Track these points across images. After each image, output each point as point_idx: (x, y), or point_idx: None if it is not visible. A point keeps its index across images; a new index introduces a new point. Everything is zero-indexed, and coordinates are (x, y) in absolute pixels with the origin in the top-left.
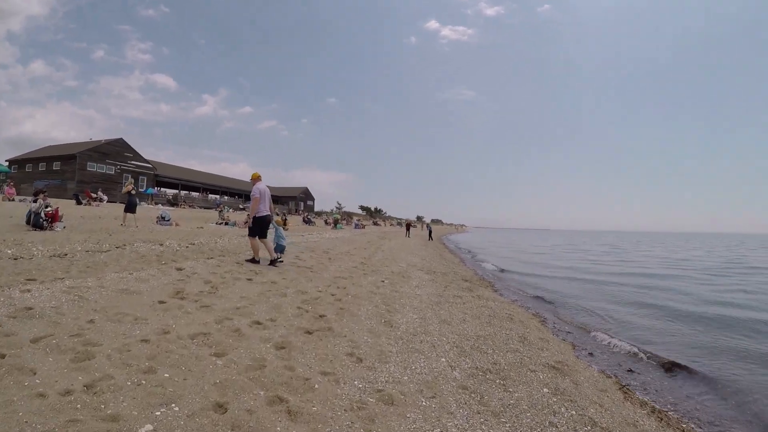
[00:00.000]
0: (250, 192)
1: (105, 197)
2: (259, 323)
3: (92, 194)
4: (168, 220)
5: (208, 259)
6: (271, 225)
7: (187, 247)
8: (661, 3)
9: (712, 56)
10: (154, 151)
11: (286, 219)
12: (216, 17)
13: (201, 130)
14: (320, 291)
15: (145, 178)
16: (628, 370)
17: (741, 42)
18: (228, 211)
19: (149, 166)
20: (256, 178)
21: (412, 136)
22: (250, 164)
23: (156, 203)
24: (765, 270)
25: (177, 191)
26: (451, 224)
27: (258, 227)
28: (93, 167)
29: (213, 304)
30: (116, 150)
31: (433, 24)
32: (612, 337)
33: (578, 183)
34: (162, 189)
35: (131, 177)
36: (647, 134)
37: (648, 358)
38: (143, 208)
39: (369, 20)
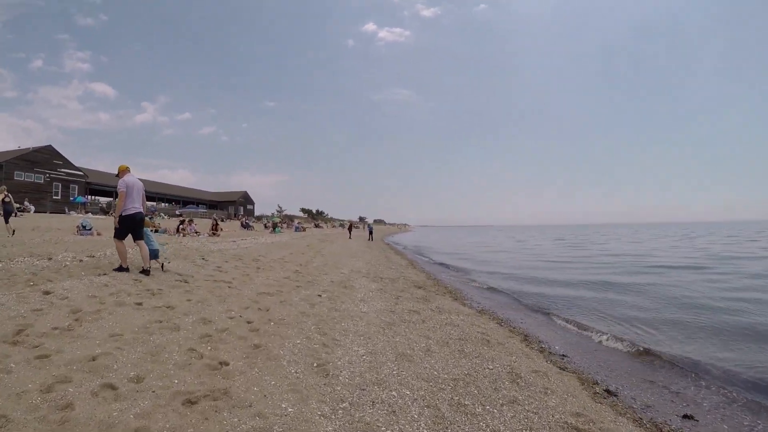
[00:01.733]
0: (195, 199)
1: (32, 207)
2: (112, 387)
3: (15, 204)
4: (89, 230)
5: (99, 275)
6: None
7: (81, 260)
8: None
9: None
10: (91, 160)
11: (217, 224)
12: (154, 24)
13: (140, 137)
14: (232, 317)
15: (77, 186)
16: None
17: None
18: (162, 217)
19: (80, 173)
20: (123, 170)
21: (353, 137)
22: (190, 170)
23: (87, 212)
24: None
25: (111, 199)
26: (394, 224)
27: (126, 227)
28: (21, 176)
29: (59, 351)
30: (45, 158)
31: (370, 26)
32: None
33: (519, 177)
34: (95, 197)
35: (3, 185)
36: (585, 126)
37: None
38: (72, 218)
39: (307, 23)
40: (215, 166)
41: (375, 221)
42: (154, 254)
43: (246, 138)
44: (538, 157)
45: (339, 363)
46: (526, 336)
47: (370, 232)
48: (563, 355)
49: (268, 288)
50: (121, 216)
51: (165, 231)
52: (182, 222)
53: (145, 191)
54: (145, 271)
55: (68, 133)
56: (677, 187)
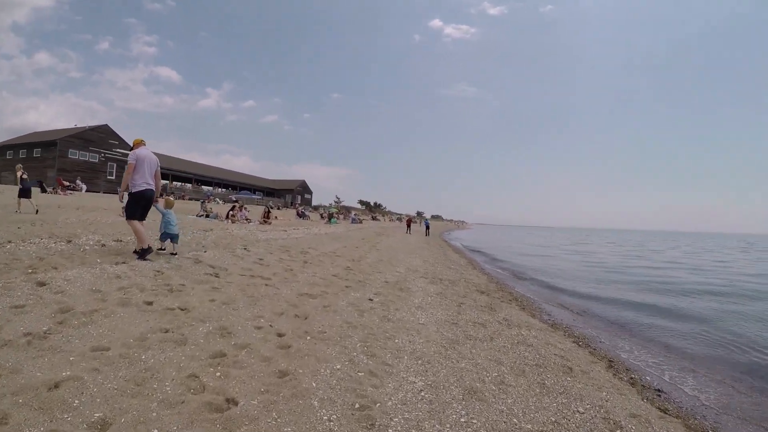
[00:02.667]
0: (252, 185)
1: (83, 186)
2: None
3: (65, 182)
4: None
5: (116, 264)
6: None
7: (104, 245)
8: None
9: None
10: (156, 143)
11: (269, 211)
12: (221, 12)
13: (204, 122)
14: (260, 327)
15: None
16: None
17: (741, 41)
18: (217, 202)
19: None
20: (137, 144)
21: (415, 133)
22: (252, 157)
23: None
24: None
25: (167, 182)
26: (451, 220)
27: (137, 206)
28: (75, 155)
29: (15, 371)
30: (100, 137)
31: (437, 23)
32: None
33: (579, 179)
34: None
35: (20, 164)
36: (649, 130)
37: None
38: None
39: (374, 18)
40: (277, 155)
41: (432, 216)
42: (167, 237)
43: (309, 128)
44: (602, 157)
45: (389, 404)
46: (610, 361)
47: (427, 227)
48: (658, 391)
49: (311, 288)
50: (131, 193)
51: (216, 216)
52: (233, 207)
53: (202, 176)
54: (141, 254)
55: (133, 115)
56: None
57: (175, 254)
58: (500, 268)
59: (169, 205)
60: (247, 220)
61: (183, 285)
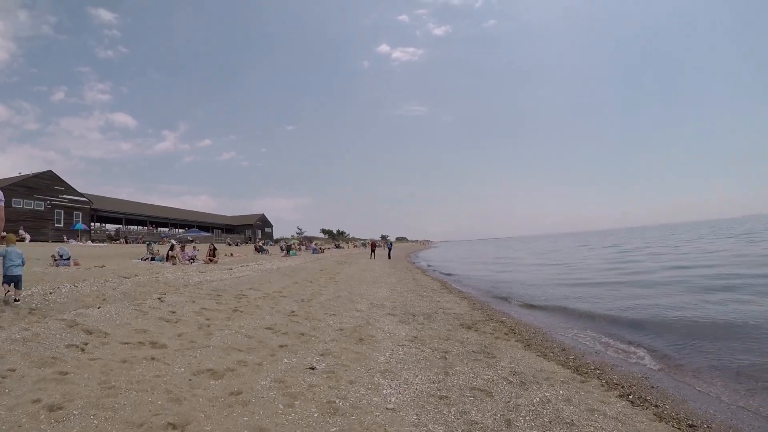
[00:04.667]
0: (210, 223)
1: (27, 236)
2: None
3: (1, 233)
4: (66, 259)
5: None
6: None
7: None
8: (601, 12)
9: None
10: (114, 188)
11: (214, 249)
12: (173, 53)
13: (162, 165)
14: None
15: (81, 213)
16: None
17: (674, 40)
18: (171, 243)
19: (84, 199)
20: None
21: (372, 156)
22: (211, 196)
23: (88, 240)
24: None
25: (119, 226)
26: (416, 241)
27: None
28: (19, 203)
29: None
30: (45, 184)
31: (384, 48)
32: None
33: (539, 187)
34: (102, 224)
35: None
36: (598, 133)
37: None
38: (71, 246)
39: (324, 48)
40: (236, 191)
41: (397, 239)
42: (14, 280)
43: (266, 162)
44: (552, 163)
45: None
46: None
47: (389, 250)
48: None
49: (224, 356)
50: None
51: (162, 259)
52: (172, 248)
53: (158, 218)
54: None
55: (90, 163)
56: (685, 185)
57: (18, 300)
58: (474, 287)
59: (10, 242)
60: (190, 260)
61: (11, 371)
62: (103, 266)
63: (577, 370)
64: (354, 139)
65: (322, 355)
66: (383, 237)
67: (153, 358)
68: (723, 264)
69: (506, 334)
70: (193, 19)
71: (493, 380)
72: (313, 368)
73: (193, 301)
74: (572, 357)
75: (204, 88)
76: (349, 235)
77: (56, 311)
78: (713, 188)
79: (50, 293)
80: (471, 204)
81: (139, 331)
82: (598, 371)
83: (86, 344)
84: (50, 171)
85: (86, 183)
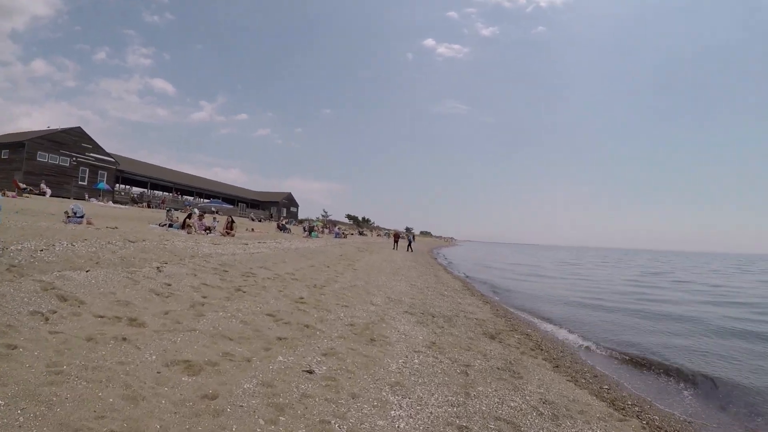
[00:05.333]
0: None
1: (48, 190)
2: None
3: (21, 185)
4: (80, 217)
5: None
6: None
7: None
8: (649, 26)
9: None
10: (148, 154)
11: (232, 222)
12: (219, 25)
13: (197, 135)
14: None
15: (106, 173)
16: None
17: (730, 65)
18: (194, 212)
19: (111, 159)
20: None
21: (406, 149)
22: (243, 170)
23: (114, 200)
24: None
25: (144, 190)
26: (440, 237)
27: None
28: (44, 157)
29: None
30: (73, 140)
31: (430, 42)
32: None
33: (568, 198)
34: (127, 186)
35: None
36: (643, 143)
37: None
38: (90, 205)
39: (369, 36)
40: (268, 169)
41: (422, 233)
42: None
43: (300, 143)
44: (586, 177)
45: None
46: None
47: (410, 242)
48: None
49: (210, 344)
50: None
51: (179, 226)
52: (189, 215)
53: (183, 185)
54: None
55: (126, 125)
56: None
57: None
58: (495, 291)
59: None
60: (207, 230)
61: None
62: (116, 227)
63: (613, 405)
64: (390, 130)
65: (324, 354)
66: (407, 229)
67: (124, 339)
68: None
69: (532, 349)
70: None
71: (521, 409)
72: (311, 371)
73: (195, 275)
74: (606, 387)
75: (245, 63)
76: (373, 223)
77: (38, 271)
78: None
79: (41, 250)
80: (498, 207)
81: (122, 303)
82: (636, 408)
83: (54, 313)
84: (79, 128)
85: (120, 145)
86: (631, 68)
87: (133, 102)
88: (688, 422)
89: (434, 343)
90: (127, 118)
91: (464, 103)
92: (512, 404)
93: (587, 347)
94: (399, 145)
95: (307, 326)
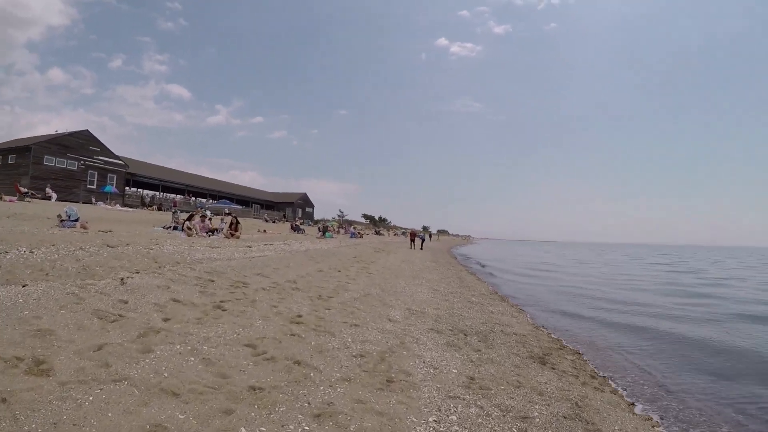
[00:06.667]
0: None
1: (53, 194)
2: None
3: (22, 189)
4: (74, 221)
5: None
6: None
7: None
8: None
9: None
10: (165, 158)
11: (237, 223)
12: (232, 30)
13: (213, 138)
14: None
15: (115, 176)
16: None
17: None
18: (207, 214)
19: (120, 162)
20: None
21: (421, 148)
22: (260, 173)
23: (115, 204)
24: None
25: (155, 192)
26: (457, 235)
27: None
28: (51, 161)
29: None
30: (80, 143)
31: (442, 41)
32: None
33: (585, 193)
34: (138, 189)
35: None
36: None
37: None
38: (92, 208)
39: (382, 37)
40: (284, 170)
41: (439, 231)
42: None
43: (316, 144)
44: (598, 174)
45: None
46: None
47: (422, 241)
48: None
49: (141, 405)
50: None
51: (183, 229)
52: (190, 217)
53: (195, 187)
54: None
55: (143, 131)
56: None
57: None
58: (524, 295)
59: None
60: (209, 232)
61: None
62: (110, 231)
63: None
64: (405, 130)
65: (317, 416)
66: (424, 228)
67: (3, 400)
68: None
69: (593, 377)
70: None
71: None
72: None
73: (168, 287)
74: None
75: (260, 67)
76: (390, 222)
77: None
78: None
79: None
80: (514, 204)
81: (41, 333)
82: None
83: None
84: (87, 131)
85: (137, 150)
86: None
87: (149, 108)
88: None
89: (473, 379)
90: (143, 124)
91: (478, 100)
92: None
93: (651, 366)
94: (414, 144)
95: (298, 363)
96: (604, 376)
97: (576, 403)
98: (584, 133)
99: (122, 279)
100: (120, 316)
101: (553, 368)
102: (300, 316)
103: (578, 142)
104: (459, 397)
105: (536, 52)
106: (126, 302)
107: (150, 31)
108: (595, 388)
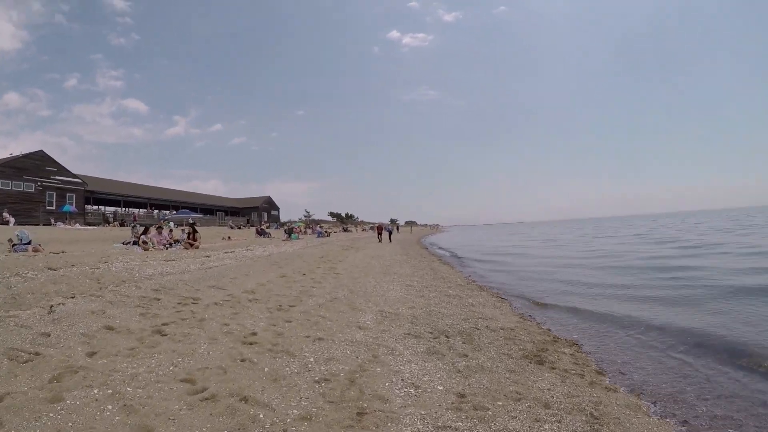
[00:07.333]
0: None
1: (11, 218)
2: None
3: None
4: (26, 244)
5: None
6: None
7: None
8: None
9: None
10: (126, 174)
11: (194, 232)
12: (185, 40)
13: (173, 150)
14: None
15: (74, 195)
16: None
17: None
18: (169, 226)
19: (78, 181)
20: None
21: (382, 140)
22: (222, 180)
23: (75, 223)
24: None
25: (116, 209)
26: (426, 225)
27: None
28: (7, 185)
29: None
30: (36, 164)
31: (394, 34)
32: None
33: (543, 173)
34: (99, 207)
35: None
36: (611, 117)
37: None
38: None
39: (333, 35)
40: (246, 175)
41: (407, 222)
42: None
43: (277, 147)
44: (561, 151)
45: None
46: None
47: (390, 233)
48: None
49: None
50: None
51: (139, 244)
52: (145, 231)
53: (157, 200)
54: None
55: (102, 148)
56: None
57: None
58: (500, 282)
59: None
60: (168, 244)
61: None
62: (63, 252)
63: None
64: (365, 124)
65: None
66: (392, 221)
67: None
68: None
69: (599, 373)
70: (204, 6)
71: None
72: None
73: (104, 312)
74: None
75: (215, 74)
76: (357, 218)
77: None
78: (712, 178)
79: None
80: (478, 190)
81: None
82: None
83: None
84: (41, 151)
85: (97, 168)
86: (595, 37)
87: (107, 125)
88: None
89: (464, 397)
90: (102, 141)
91: (434, 88)
92: None
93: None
94: (375, 138)
95: (245, 400)
96: (608, 372)
97: (591, 414)
98: (544, 114)
99: (51, 307)
100: (36, 354)
101: (553, 368)
102: (254, 333)
103: (539, 124)
104: (450, 427)
105: (489, 36)
106: (48, 335)
107: (102, 47)
108: (606, 388)
